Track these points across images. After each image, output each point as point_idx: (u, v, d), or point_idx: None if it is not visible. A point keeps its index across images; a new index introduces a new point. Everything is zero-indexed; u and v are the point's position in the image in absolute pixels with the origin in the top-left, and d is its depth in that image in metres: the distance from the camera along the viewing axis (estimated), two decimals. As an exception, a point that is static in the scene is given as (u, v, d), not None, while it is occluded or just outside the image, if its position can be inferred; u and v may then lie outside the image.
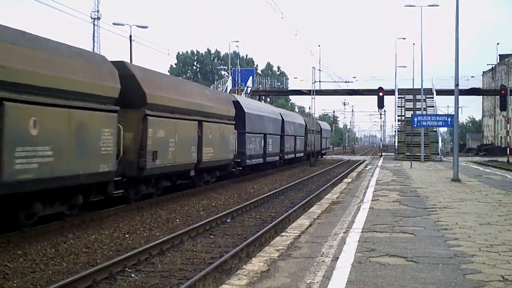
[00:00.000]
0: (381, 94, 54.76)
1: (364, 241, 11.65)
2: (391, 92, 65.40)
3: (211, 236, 15.86)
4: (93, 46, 74.22)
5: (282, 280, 8.89)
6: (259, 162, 38.49)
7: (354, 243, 11.56)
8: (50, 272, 11.37)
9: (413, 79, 69.45)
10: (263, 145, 38.76)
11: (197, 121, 24.91)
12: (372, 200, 19.05)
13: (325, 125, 77.12)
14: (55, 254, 12.84)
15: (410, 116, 49.82)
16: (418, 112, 54.95)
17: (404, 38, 76.70)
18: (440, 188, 24.17)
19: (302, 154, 55.85)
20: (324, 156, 75.47)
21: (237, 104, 33.20)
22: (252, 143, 35.74)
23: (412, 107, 63.81)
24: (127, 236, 15.25)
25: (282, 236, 13.06)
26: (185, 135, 23.28)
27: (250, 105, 37.57)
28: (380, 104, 56.00)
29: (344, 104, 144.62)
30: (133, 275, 11.47)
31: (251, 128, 35.49)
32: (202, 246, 14.44)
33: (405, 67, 76.11)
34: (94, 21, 75.32)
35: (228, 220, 18.57)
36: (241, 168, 33.86)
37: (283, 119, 46.24)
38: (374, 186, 24.66)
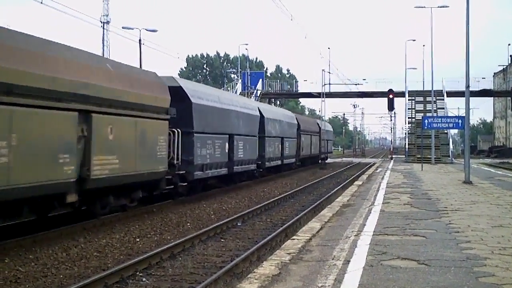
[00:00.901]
0: (391, 96, 54.66)
1: (376, 244, 11.61)
2: (401, 94, 65.29)
3: (222, 240, 15.83)
4: (103, 50, 74.58)
5: (294, 284, 8.87)
6: (222, 174, 27.99)
7: (365, 246, 11.52)
8: (62, 276, 11.37)
9: (423, 81, 69.32)
10: (227, 150, 28.46)
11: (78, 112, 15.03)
12: (383, 203, 18.99)
13: (326, 126, 68.36)
14: (66, 258, 12.85)
15: (421, 118, 49.62)
16: (428, 114, 54.80)
17: (414, 40, 76.23)
18: (452, 190, 24.09)
19: (293, 160, 46.58)
20: (326, 161, 66.59)
21: (176, 91, 22.38)
22: (207, 147, 25.09)
23: (422, 109, 63.66)
24: (138, 240, 15.25)
25: (293, 239, 13.03)
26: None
27: (200, 92, 25.98)
28: (390, 106, 55.92)
29: (354, 107, 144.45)
30: (144, 279, 11.46)
31: (203, 126, 24.75)
32: (213, 249, 14.41)
33: (415, 68, 76.10)
34: (103, 25, 75.56)
35: (239, 224, 18.55)
36: (184, 184, 22.87)
37: (262, 116, 36.25)
38: (385, 189, 24.59)
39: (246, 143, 31.72)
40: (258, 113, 35.48)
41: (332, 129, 79.20)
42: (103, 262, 12.62)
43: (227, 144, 28.36)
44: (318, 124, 62.80)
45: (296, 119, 49.13)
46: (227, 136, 28.51)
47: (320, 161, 62.31)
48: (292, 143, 45.33)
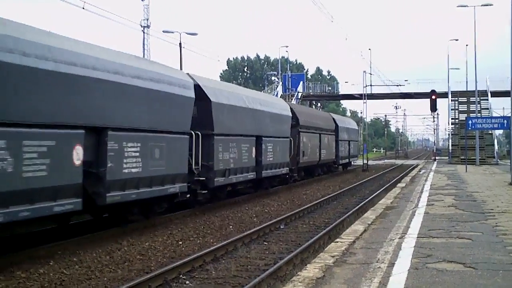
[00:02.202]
0: (433, 97, 53.89)
1: (420, 247, 11.47)
2: (444, 95, 64.47)
3: (265, 243, 15.79)
4: (143, 53, 74.93)
5: (338, 287, 8.82)
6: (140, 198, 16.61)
7: (410, 248, 11.39)
8: (106, 279, 11.44)
9: (466, 81, 68.22)
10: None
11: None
12: (427, 205, 18.77)
13: (346, 122, 54.77)
14: (110, 261, 12.93)
15: (464, 118, 49.00)
16: (472, 115, 54.07)
17: (456, 40, 75.08)
18: (498, 192, 23.71)
19: (283, 170, 29.99)
20: (348, 167, 55.61)
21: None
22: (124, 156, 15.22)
23: (466, 109, 62.85)
24: (181, 243, 15.28)
25: (337, 242, 12.96)
26: None
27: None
28: (433, 107, 55.18)
29: (396, 108, 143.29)
30: (187, 282, 11.47)
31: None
32: (256, 252, 14.38)
33: (458, 69, 74.96)
34: (144, 29, 76.04)
35: (281, 227, 18.49)
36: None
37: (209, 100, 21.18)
38: (428, 191, 24.32)
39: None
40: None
41: (356, 127, 62.00)
42: (147, 265, 12.67)
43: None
44: (333, 119, 47.54)
45: (292, 110, 33.39)
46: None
47: (336, 169, 50.13)
48: (284, 145, 29.90)
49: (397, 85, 77.91)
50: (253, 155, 25.29)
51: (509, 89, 29.55)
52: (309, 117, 39.07)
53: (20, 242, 13.74)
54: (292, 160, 32.15)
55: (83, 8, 32.40)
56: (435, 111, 62.61)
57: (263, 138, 26.38)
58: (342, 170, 52.98)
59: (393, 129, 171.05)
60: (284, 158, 30.15)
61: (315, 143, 38.97)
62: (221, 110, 21.55)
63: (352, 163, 57.95)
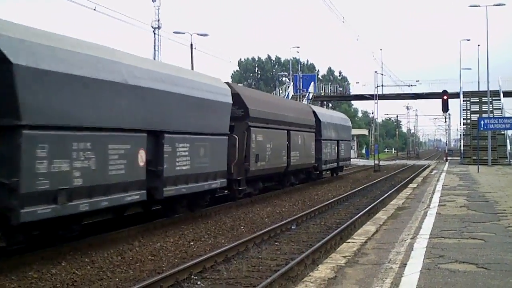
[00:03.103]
0: (445, 97, 53.89)
1: (432, 247, 11.43)
2: (455, 95, 64.19)
3: (276, 243, 15.78)
4: (154, 55, 75.25)
5: (350, 287, 8.78)
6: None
7: (422, 249, 11.35)
8: (117, 279, 11.47)
9: (478, 81, 67.94)
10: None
11: None
12: (439, 206, 18.70)
13: (335, 117, 43.47)
14: (122, 261, 12.96)
15: (476, 119, 48.79)
16: (484, 115, 53.82)
17: (468, 40, 74.66)
18: (510, 192, 23.58)
19: (215, 183, 20.75)
20: (339, 173, 45.13)
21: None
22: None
23: (478, 110, 62.53)
24: (192, 243, 15.30)
25: (348, 242, 12.93)
26: None
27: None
28: (445, 108, 55.14)
29: (408, 108, 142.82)
30: (199, 283, 11.48)
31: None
32: (267, 253, 14.38)
33: (470, 69, 74.57)
34: (155, 30, 76.33)
35: (293, 227, 18.48)
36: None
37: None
38: (440, 191, 24.22)
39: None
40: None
41: (349, 123, 48.26)
42: (158, 265, 12.69)
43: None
44: (314, 112, 36.56)
45: (238, 95, 23.95)
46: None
47: (319, 175, 38.95)
48: (209, 146, 20.13)
49: (409, 86, 77.66)
50: (141, 163, 15.67)
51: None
52: (268, 106, 27.47)
53: (35, 242, 13.79)
54: (238, 168, 22.96)
55: (95, 9, 32.59)
56: (446, 111, 62.48)
57: (166, 135, 17.00)
58: (329, 177, 42.68)
59: (404, 130, 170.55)
60: (217, 165, 20.56)
61: (279, 143, 28.09)
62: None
63: (345, 167, 47.98)
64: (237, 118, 23.39)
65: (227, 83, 23.62)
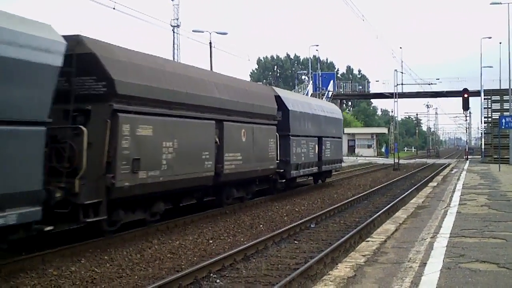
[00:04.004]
0: (466, 95, 53.43)
1: (453, 247, 11.35)
2: (476, 93, 63.83)
3: (295, 242, 15.75)
4: (173, 53, 75.48)
5: (369, 286, 8.74)
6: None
7: (442, 248, 11.27)
8: (136, 277, 11.49)
9: (500, 79, 67.36)
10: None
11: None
12: (459, 204, 18.58)
13: (313, 106, 31.59)
14: (141, 259, 12.99)
15: (497, 117, 48.39)
16: (506, 113, 53.37)
17: (489, 37, 74.52)
18: (531, 191, 23.38)
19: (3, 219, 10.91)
20: (327, 179, 35.51)
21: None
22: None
23: (499, 108, 62.07)
24: (211, 241, 15.30)
25: (368, 241, 12.88)
26: None
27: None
28: (465, 106, 54.65)
29: (428, 107, 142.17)
30: (218, 281, 11.48)
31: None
32: (287, 251, 14.35)
33: (491, 67, 74.12)
34: (174, 28, 76.53)
35: (312, 226, 18.43)
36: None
37: None
38: (460, 190, 24.07)
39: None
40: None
41: (339, 115, 37.26)
42: (177, 263, 12.70)
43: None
44: (278, 97, 25.82)
45: (97, 57, 14.13)
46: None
47: (290, 183, 28.69)
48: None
49: (429, 84, 77.36)
50: None
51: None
52: (167, 79, 16.85)
53: (53, 239, 13.85)
54: (92, 183, 13.66)
55: (114, 8, 32.71)
56: (467, 109, 61.95)
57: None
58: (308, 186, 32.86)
59: (424, 128, 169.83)
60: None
61: (197, 140, 18.12)
62: None
63: (335, 172, 38.00)
64: (94, 98, 14.07)
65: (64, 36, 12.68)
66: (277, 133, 24.50)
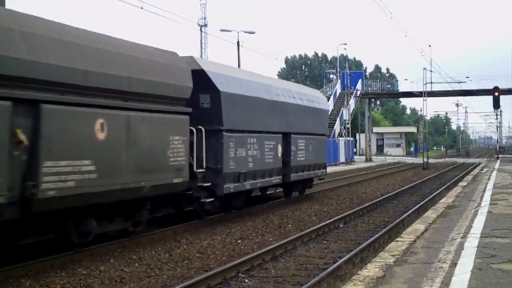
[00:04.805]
0: (496, 93, 52.93)
1: (484, 247, 11.24)
2: (507, 92, 63.20)
3: (324, 242, 15.68)
4: (201, 52, 75.65)
5: (399, 286, 8.69)
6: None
7: (472, 248, 11.17)
8: (165, 277, 11.51)
9: (531, 77, 66.76)
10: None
11: None
12: (490, 204, 18.40)
13: (275, 89, 22.27)
14: (169, 259, 13.01)
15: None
16: (536, 112, 52.69)
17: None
18: None
19: None
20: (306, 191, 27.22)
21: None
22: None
23: (530, 106, 61.34)
24: (240, 241, 15.29)
25: (397, 241, 12.81)
26: None
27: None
28: (496, 104, 54.13)
29: (457, 105, 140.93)
30: (246, 280, 11.45)
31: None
32: (315, 251, 14.29)
33: (523, 65, 73.36)
34: (201, 28, 76.78)
35: (340, 225, 18.36)
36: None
37: None
38: (491, 190, 23.85)
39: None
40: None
41: (324, 106, 28.54)
42: (206, 263, 12.70)
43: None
44: (198, 72, 16.88)
45: None
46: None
47: (208, 208, 18.03)
48: None
49: (458, 82, 76.64)
50: None
51: None
52: None
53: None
54: None
55: (142, 8, 32.88)
56: (498, 108, 61.34)
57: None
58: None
59: (454, 127, 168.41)
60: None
61: None
62: None
63: (319, 181, 29.65)
64: None
65: None
66: (193, 128, 16.23)
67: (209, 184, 17.05)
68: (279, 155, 21.53)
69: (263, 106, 20.42)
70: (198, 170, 16.59)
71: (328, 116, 32.10)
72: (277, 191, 25.87)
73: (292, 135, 22.79)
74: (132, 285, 10.89)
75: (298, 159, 23.50)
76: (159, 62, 15.00)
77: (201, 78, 16.70)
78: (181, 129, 15.61)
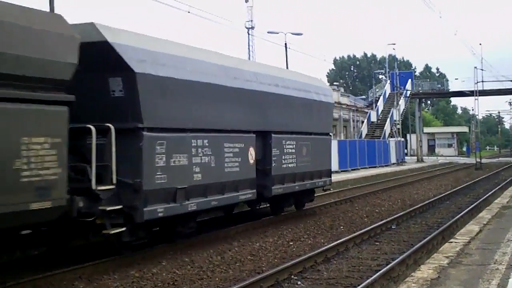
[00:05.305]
0: (551, 91, 51.86)
1: (542, 248, 11.01)
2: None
3: (376, 243, 15.54)
4: (248, 55, 75.74)
5: (454, 289, 8.56)
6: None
7: (530, 249, 10.96)
8: (217, 279, 11.55)
9: None
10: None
11: None
12: (547, 204, 18.04)
13: (268, 76, 17.96)
14: (221, 261, 13.05)
15: None
16: None
17: None
18: None
19: None
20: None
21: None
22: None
23: None
24: (291, 243, 15.26)
25: (451, 242, 12.66)
26: None
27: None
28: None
29: (510, 104, 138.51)
30: (299, 283, 11.42)
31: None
32: (368, 253, 14.18)
33: None
34: (248, 30, 76.97)
35: (393, 227, 18.18)
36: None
37: None
38: (547, 189, 23.38)
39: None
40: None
41: (330, 99, 22.46)
42: (258, 265, 12.70)
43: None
44: (104, 40, 11.83)
45: None
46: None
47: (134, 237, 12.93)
48: None
49: (511, 80, 75.36)
50: None
51: None
52: None
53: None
54: None
55: (189, 12, 33.18)
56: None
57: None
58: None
59: (507, 126, 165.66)
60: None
61: None
62: None
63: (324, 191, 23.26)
64: None
65: None
66: (91, 126, 11.33)
67: (120, 206, 11.78)
68: (251, 161, 16.23)
69: (221, 95, 14.92)
70: (102, 187, 11.44)
71: (332, 110, 23.57)
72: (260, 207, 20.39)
73: (273, 135, 17.47)
74: (184, 288, 10.96)
75: (285, 165, 18.04)
76: (14, 25, 9.73)
77: (108, 55, 11.83)
78: (50, 126, 10.32)
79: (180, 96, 13.40)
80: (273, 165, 17.33)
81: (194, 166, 13.64)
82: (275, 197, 18.02)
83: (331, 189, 24.66)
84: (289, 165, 18.29)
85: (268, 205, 20.16)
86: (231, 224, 17.01)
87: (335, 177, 32.23)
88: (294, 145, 18.62)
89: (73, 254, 12.74)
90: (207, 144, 14.13)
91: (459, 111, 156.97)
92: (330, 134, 22.03)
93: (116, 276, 11.59)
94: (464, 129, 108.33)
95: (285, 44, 46.81)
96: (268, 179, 17.16)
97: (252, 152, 16.27)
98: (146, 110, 12.21)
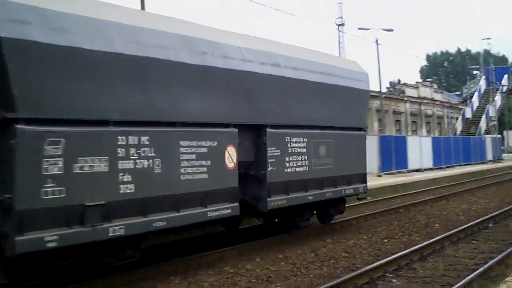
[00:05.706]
0: None
1: None
2: None
3: (473, 242, 15.16)
4: (339, 51, 75.38)
5: (558, 289, 8.26)
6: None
7: None
8: (311, 276, 11.52)
9: None
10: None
11: None
12: None
13: (268, 54, 13.42)
14: (315, 258, 13.02)
15: None
16: None
17: None
18: None
19: None
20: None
21: None
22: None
23: None
24: (386, 241, 15.09)
25: (554, 241, 12.20)
26: None
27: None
28: None
29: None
30: (394, 280, 11.26)
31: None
32: (464, 251, 13.85)
33: None
34: (338, 27, 76.69)
35: (490, 225, 17.71)
36: None
37: None
38: None
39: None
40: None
41: (366, 85, 17.42)
42: (352, 262, 12.61)
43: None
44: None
45: None
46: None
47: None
48: None
49: None
50: None
51: None
52: None
53: (229, 238, 14.23)
54: None
55: (277, 10, 33.22)
56: None
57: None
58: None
59: None
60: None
61: None
62: None
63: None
64: None
65: None
66: None
67: None
68: (229, 165, 12.03)
69: (176, 75, 10.80)
70: None
71: (368, 99, 18.33)
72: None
73: (268, 130, 13.21)
74: (278, 284, 10.97)
75: (289, 170, 13.78)
76: None
77: None
78: None
79: (99, 75, 9.37)
80: (268, 169, 13.08)
81: (121, 174, 9.57)
82: (276, 211, 14.03)
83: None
84: (297, 169, 13.99)
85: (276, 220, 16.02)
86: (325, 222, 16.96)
87: (429, 174, 31.74)
88: (305, 143, 14.32)
89: (169, 251, 12.93)
90: (147, 143, 10.07)
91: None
92: (365, 129, 17.40)
93: (211, 271, 11.74)
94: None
95: (376, 40, 46.37)
96: (261, 188, 13.10)
97: (231, 153, 12.07)
98: (24, 94, 8.34)
